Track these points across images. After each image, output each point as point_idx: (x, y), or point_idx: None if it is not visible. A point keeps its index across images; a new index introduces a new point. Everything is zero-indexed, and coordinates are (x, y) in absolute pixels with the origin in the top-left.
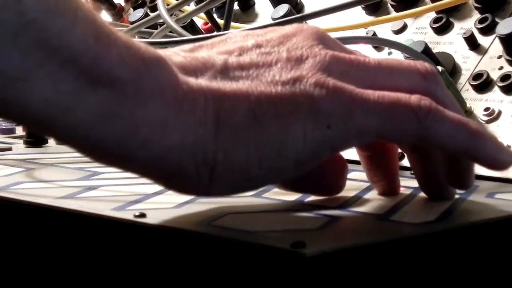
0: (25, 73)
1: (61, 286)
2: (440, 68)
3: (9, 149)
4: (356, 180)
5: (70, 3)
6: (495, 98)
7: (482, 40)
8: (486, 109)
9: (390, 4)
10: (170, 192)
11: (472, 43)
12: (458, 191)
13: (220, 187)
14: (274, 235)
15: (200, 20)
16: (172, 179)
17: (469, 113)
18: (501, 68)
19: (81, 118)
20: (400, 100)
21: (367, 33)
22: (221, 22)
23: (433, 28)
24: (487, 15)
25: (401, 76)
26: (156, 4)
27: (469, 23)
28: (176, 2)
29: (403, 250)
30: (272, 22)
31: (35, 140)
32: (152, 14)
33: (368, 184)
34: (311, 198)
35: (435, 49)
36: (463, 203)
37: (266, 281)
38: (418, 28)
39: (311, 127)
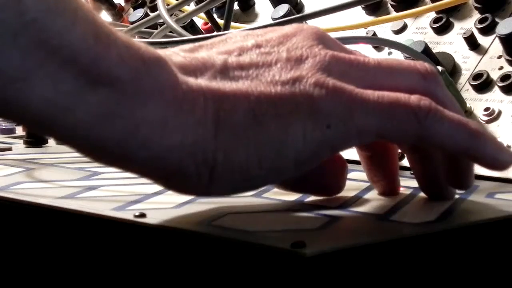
0: (25, 73)
1: (61, 286)
2: (440, 68)
3: (9, 149)
4: (356, 180)
5: (70, 3)
6: (495, 98)
7: (482, 40)
8: (486, 109)
9: (390, 4)
10: (170, 192)
11: (472, 43)
12: (458, 191)
13: (220, 187)
14: (274, 235)
15: (200, 20)
16: (172, 179)
17: (469, 113)
18: (501, 68)
19: (81, 118)
20: (400, 100)
21: (367, 33)
22: (221, 22)
23: (433, 28)
24: (487, 15)
25: (400, 76)
26: (156, 4)
27: (469, 23)
28: (176, 2)
29: (403, 250)
30: (272, 22)
31: (35, 140)
32: (152, 14)
33: (368, 184)
34: (311, 198)
35: (435, 49)
36: (463, 203)
37: (266, 281)
38: (418, 28)
39: (311, 127)
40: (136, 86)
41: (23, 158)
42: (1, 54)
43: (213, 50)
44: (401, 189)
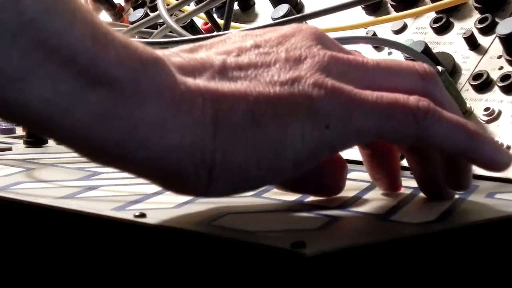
0: (24, 73)
1: (61, 286)
2: (440, 68)
3: (9, 149)
4: (356, 180)
5: (68, 3)
6: (495, 98)
7: (482, 40)
8: (486, 109)
9: (390, 4)
10: (170, 192)
11: (472, 43)
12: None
13: (218, 188)
14: (274, 235)
15: (200, 20)
16: (170, 179)
17: (469, 113)
18: (501, 68)
19: (79, 119)
20: (399, 100)
21: (367, 33)
22: (221, 22)
23: (433, 28)
24: (487, 15)
25: (399, 77)
26: (156, 4)
27: (469, 23)
28: (176, 2)
29: (403, 250)
30: (272, 22)
31: (35, 140)
32: (152, 14)
33: (368, 184)
34: (311, 198)
35: (435, 49)
36: (463, 203)
37: (266, 281)
38: (418, 28)
39: (310, 127)
40: (134, 87)
41: (23, 158)
42: (0, 54)
43: (212, 51)
44: (401, 189)
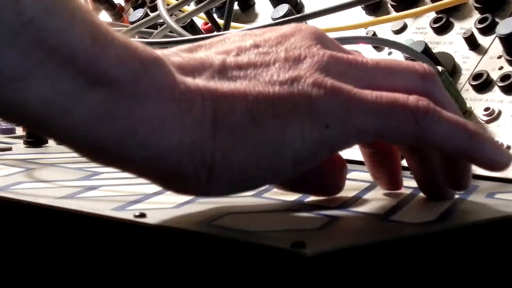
0: (23, 73)
1: (61, 286)
2: (440, 68)
3: (9, 149)
4: (356, 180)
5: (67, 3)
6: (495, 98)
7: (482, 40)
8: (486, 109)
9: (390, 4)
10: (170, 192)
11: (472, 43)
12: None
13: (218, 187)
14: (274, 235)
15: (200, 20)
16: (170, 179)
17: (469, 113)
18: (501, 68)
19: (79, 119)
20: (398, 100)
21: (367, 33)
22: (221, 22)
23: (433, 28)
24: (487, 15)
25: (399, 77)
26: (156, 4)
27: (469, 23)
28: (176, 2)
29: (403, 250)
30: (272, 22)
31: (35, 140)
32: (152, 14)
33: (368, 184)
34: (311, 198)
35: (435, 49)
36: (463, 203)
37: (266, 281)
38: (418, 28)
39: (309, 127)
40: (134, 87)
41: (23, 158)
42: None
43: (211, 50)
44: (402, 188)
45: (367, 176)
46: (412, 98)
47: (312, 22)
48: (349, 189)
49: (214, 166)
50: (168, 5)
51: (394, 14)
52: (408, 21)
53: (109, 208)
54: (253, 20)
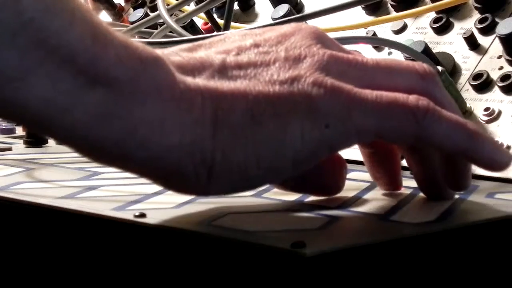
0: (23, 73)
1: (61, 286)
2: (440, 68)
3: (9, 149)
4: (356, 180)
5: (67, 3)
6: (495, 98)
7: (482, 40)
8: (486, 109)
9: (390, 4)
10: (170, 192)
11: (472, 43)
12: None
13: (218, 187)
14: (274, 235)
15: (200, 20)
16: (170, 179)
17: (469, 113)
18: (501, 68)
19: (79, 118)
20: (398, 100)
21: (367, 33)
22: (221, 22)
23: (433, 28)
24: (487, 15)
25: (399, 76)
26: (156, 4)
27: (469, 23)
28: (176, 2)
29: (403, 250)
30: (272, 22)
31: (35, 140)
32: (152, 14)
33: (368, 184)
34: (311, 198)
35: (435, 49)
36: (463, 203)
37: (266, 281)
38: (418, 28)
39: (309, 126)
40: (134, 86)
41: (23, 158)
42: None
43: (211, 50)
44: (401, 188)
45: (367, 176)
46: (412, 98)
47: (312, 22)
48: (349, 189)
49: (214, 166)
50: (168, 5)
51: (394, 14)
52: (408, 21)
53: (109, 208)
54: (253, 20)
